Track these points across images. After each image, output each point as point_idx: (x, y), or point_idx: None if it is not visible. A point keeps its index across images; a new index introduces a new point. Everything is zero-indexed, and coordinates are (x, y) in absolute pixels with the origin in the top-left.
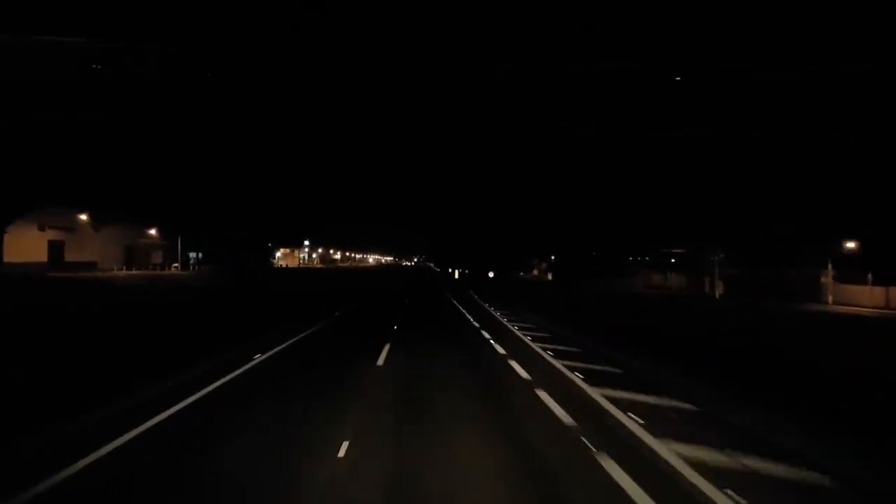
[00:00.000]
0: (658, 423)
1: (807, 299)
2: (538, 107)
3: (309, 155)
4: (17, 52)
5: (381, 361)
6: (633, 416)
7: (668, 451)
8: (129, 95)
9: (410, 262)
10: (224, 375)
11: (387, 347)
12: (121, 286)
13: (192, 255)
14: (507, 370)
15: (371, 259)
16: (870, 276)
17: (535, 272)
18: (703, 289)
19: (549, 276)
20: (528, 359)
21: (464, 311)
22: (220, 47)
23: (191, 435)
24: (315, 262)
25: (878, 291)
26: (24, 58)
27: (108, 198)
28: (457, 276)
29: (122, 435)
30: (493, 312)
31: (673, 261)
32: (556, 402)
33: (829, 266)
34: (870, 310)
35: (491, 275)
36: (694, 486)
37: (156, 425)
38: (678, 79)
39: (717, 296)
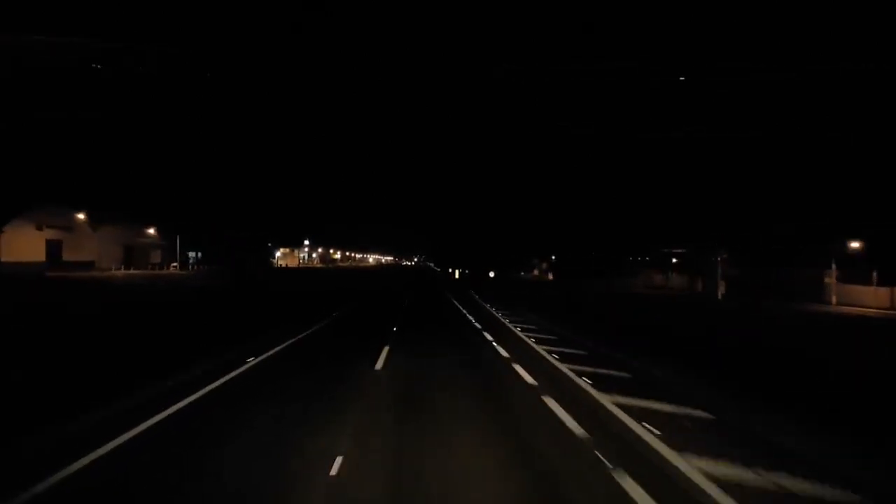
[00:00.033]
0: (675, 433)
1: (810, 300)
2: (538, 107)
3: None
4: (16, 51)
5: (380, 362)
6: (648, 426)
7: (692, 469)
8: (129, 95)
9: (410, 261)
10: (224, 375)
11: (386, 349)
12: (119, 286)
13: (192, 254)
14: (512, 374)
15: (371, 259)
16: (875, 275)
17: (536, 272)
18: (705, 289)
19: (550, 276)
20: (533, 362)
21: (465, 312)
22: (220, 47)
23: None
24: (315, 262)
25: (883, 292)
26: (22, 57)
27: (106, 197)
28: (457, 275)
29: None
30: (495, 313)
31: (675, 261)
32: (566, 410)
33: (833, 266)
34: (874, 310)
35: (492, 275)
36: None
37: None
38: (682, 79)
39: (720, 296)
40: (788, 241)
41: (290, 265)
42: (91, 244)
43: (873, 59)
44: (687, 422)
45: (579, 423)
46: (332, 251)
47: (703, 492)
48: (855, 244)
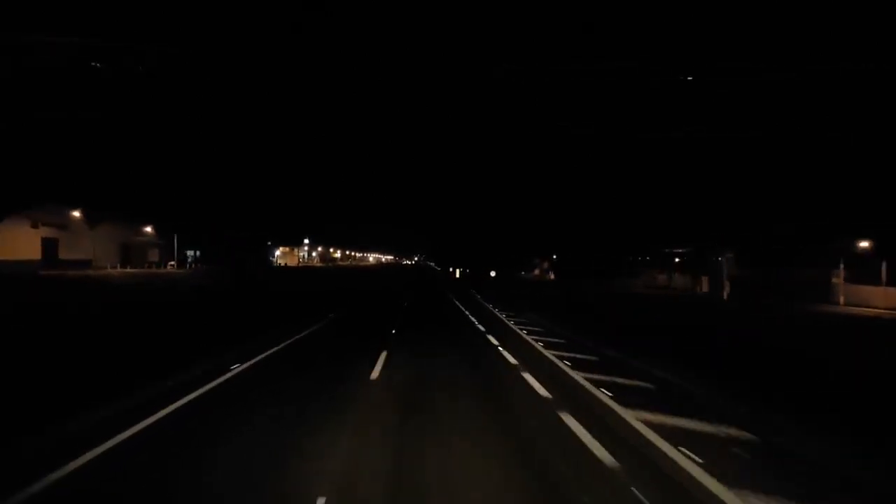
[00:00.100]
0: (720, 461)
1: (817, 300)
2: (538, 107)
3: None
4: (15, 51)
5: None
6: (686, 451)
7: None
8: (128, 94)
9: (411, 261)
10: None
11: (384, 353)
12: (117, 285)
13: (189, 253)
14: (522, 384)
15: (371, 258)
16: (883, 273)
17: (537, 271)
18: (710, 289)
19: (551, 276)
20: (544, 370)
21: (467, 313)
22: (220, 47)
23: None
24: (315, 261)
25: (893, 292)
26: (21, 56)
27: (104, 195)
28: (458, 275)
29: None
30: (498, 314)
31: (677, 260)
32: (588, 431)
33: (841, 266)
34: (884, 311)
35: (493, 274)
36: None
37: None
38: (689, 78)
39: (725, 296)
40: (790, 241)
41: (289, 264)
42: (87, 242)
43: (873, 59)
44: (734, 447)
45: (605, 447)
46: (332, 250)
47: None
48: (864, 243)
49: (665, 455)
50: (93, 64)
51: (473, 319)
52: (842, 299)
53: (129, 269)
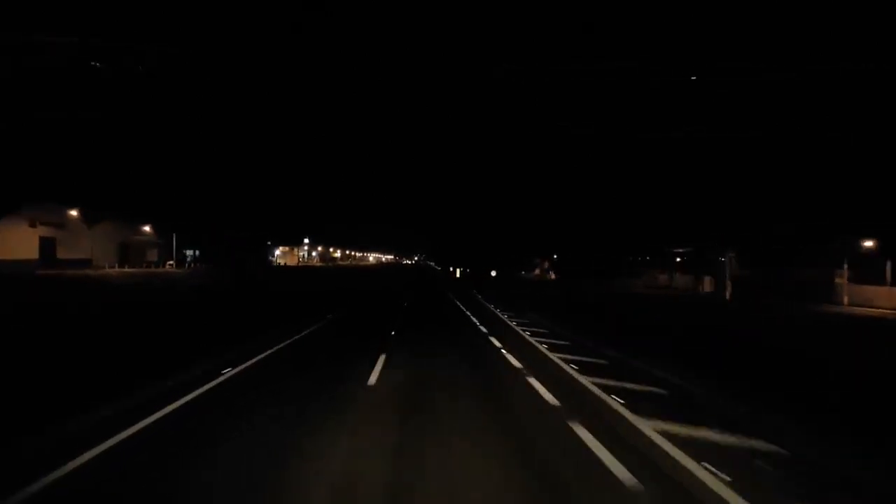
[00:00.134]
0: (749, 479)
1: (820, 300)
2: (538, 107)
3: (309, 154)
4: (15, 51)
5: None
6: (710, 467)
7: None
8: (128, 94)
9: (411, 260)
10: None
11: (385, 353)
12: (116, 284)
13: (189, 253)
14: (527, 389)
15: (371, 257)
16: (888, 273)
17: (538, 271)
18: (713, 289)
19: (552, 276)
20: (550, 374)
21: (468, 314)
22: (219, 47)
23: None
24: (315, 261)
25: None
26: (21, 56)
27: (103, 195)
28: (458, 274)
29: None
30: (500, 315)
31: (678, 260)
32: (601, 443)
33: (845, 266)
34: (888, 311)
35: (493, 274)
36: None
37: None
38: (694, 78)
39: (727, 296)
40: (792, 241)
41: (289, 264)
42: (86, 242)
43: (873, 59)
44: (763, 462)
45: (623, 463)
46: (332, 250)
47: None
48: (868, 243)
49: (687, 470)
50: (93, 64)
51: (475, 320)
52: (846, 299)
53: (127, 269)
